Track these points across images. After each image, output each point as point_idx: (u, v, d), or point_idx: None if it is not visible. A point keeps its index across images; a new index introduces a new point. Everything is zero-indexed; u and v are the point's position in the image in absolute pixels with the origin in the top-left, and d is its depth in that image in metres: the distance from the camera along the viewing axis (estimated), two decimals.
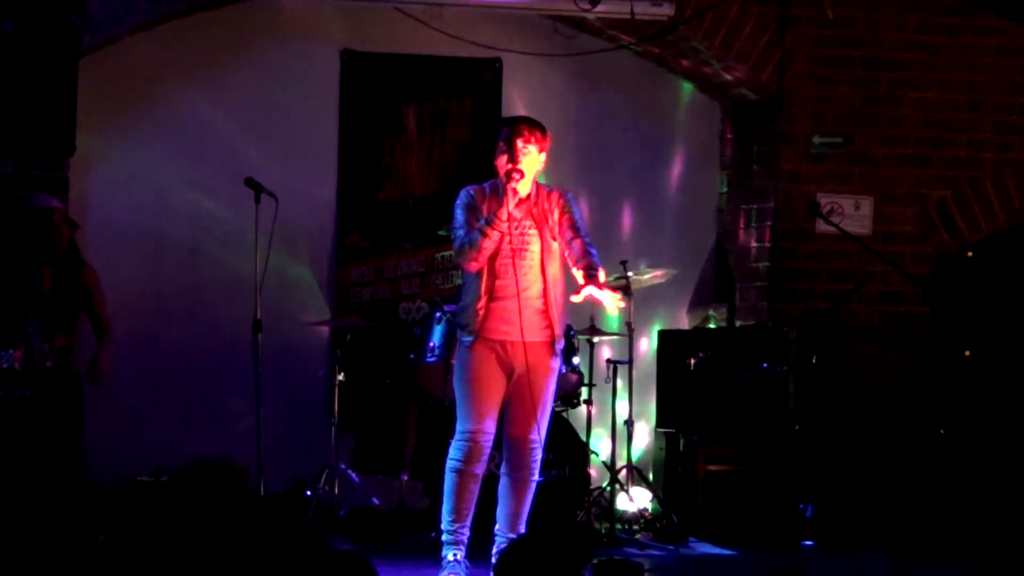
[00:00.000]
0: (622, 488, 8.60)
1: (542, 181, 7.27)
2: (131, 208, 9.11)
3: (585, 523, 8.29)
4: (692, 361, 8.84)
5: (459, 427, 7.18)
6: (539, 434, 7.17)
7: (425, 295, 9.38)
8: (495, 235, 6.97)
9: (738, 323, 9.61)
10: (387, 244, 9.44)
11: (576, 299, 7.03)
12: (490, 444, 7.15)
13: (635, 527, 8.57)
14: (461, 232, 7.08)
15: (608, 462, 8.59)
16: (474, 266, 7.06)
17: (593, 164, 9.68)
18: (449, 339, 8.03)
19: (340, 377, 8.55)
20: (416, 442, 8.40)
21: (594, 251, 7.08)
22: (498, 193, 7.05)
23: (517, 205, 7.07)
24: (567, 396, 8.44)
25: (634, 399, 8.81)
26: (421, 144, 9.49)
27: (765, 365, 8.72)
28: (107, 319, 8.21)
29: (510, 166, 7.00)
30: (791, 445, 8.68)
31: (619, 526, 8.47)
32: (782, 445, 8.68)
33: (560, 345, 7.18)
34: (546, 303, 7.08)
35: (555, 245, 7.07)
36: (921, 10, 9.45)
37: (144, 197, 9.13)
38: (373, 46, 9.40)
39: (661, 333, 9.24)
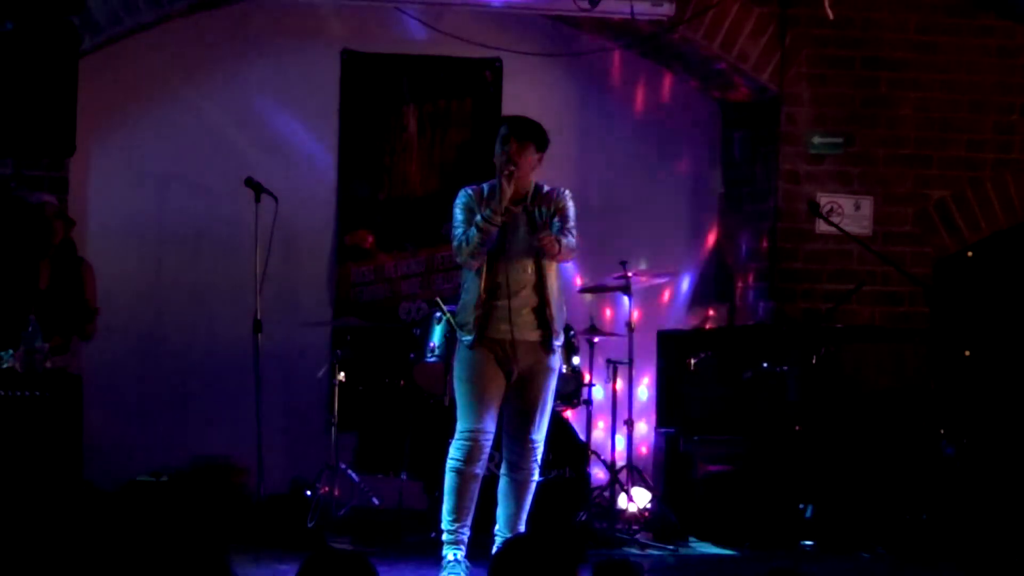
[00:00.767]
0: (622, 488, 8.60)
1: (543, 182, 7.28)
2: (131, 208, 9.11)
3: (584, 523, 8.29)
4: (692, 361, 8.84)
5: (459, 427, 7.19)
6: (539, 434, 7.18)
7: (425, 295, 9.38)
8: (492, 229, 7.00)
9: (738, 323, 9.61)
10: (387, 244, 9.45)
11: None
12: (490, 443, 7.16)
13: (635, 527, 8.57)
14: (460, 231, 7.11)
15: (608, 462, 8.59)
16: (473, 263, 7.08)
17: (593, 164, 9.69)
18: (449, 339, 8.03)
19: (340, 377, 8.55)
20: (415, 442, 8.39)
21: (569, 238, 7.07)
22: (495, 192, 7.07)
23: (515, 204, 7.10)
24: (567, 396, 8.43)
25: (634, 399, 8.82)
26: (421, 144, 9.49)
27: (765, 365, 8.72)
28: (93, 312, 8.15)
29: (503, 160, 7.03)
30: (791, 445, 8.68)
31: (619, 526, 8.47)
32: (782, 445, 8.68)
33: (559, 344, 7.18)
34: (544, 302, 7.10)
35: None
36: (921, 10, 9.45)
37: (144, 197, 9.13)
38: (373, 46, 9.40)
39: (661, 333, 9.24)
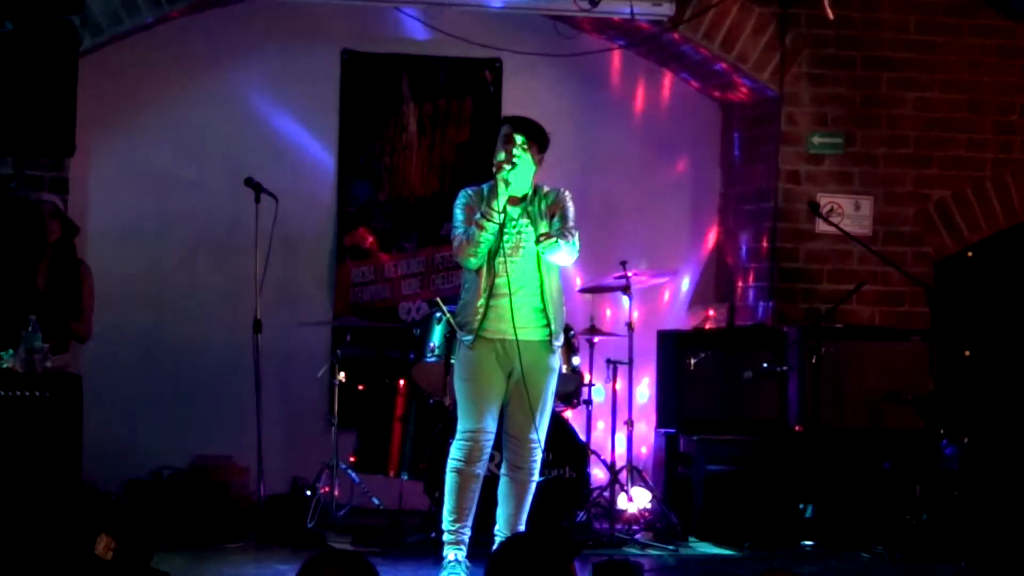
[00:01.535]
0: (622, 488, 8.61)
1: (544, 183, 7.28)
2: (131, 208, 9.11)
3: (584, 523, 8.29)
4: (692, 361, 8.84)
5: (460, 427, 7.19)
6: (538, 434, 7.18)
7: (425, 295, 9.39)
8: (491, 227, 7.02)
9: (738, 323, 9.61)
10: (387, 244, 9.45)
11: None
12: (491, 443, 7.17)
13: (635, 527, 8.57)
14: (460, 231, 7.12)
15: (608, 462, 8.59)
16: (473, 262, 7.10)
17: (593, 164, 9.69)
18: (449, 339, 8.03)
19: (340, 377, 8.55)
20: (415, 442, 8.39)
21: (570, 238, 7.07)
22: (494, 192, 7.09)
23: (515, 204, 7.12)
24: (567, 396, 8.44)
25: (634, 399, 8.82)
26: (421, 144, 9.49)
27: (765, 365, 8.72)
28: (88, 317, 8.14)
29: (504, 158, 7.05)
30: (791, 445, 8.68)
31: (619, 526, 8.47)
32: (782, 445, 8.68)
33: (559, 343, 7.19)
34: (544, 301, 7.12)
35: None
36: (921, 10, 9.45)
37: (144, 197, 9.13)
38: (373, 46, 9.40)
39: (661, 333, 9.24)
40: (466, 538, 7.22)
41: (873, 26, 9.39)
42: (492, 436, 7.16)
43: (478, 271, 7.13)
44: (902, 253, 9.35)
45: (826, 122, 9.38)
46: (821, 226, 9.25)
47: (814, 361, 8.67)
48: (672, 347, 8.98)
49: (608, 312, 9.56)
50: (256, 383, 8.10)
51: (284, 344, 8.96)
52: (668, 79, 9.84)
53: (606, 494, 8.52)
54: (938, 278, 9.48)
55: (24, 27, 6.85)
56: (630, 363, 8.60)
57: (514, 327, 7.04)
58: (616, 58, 9.70)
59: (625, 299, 8.59)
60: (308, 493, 8.44)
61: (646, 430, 9.30)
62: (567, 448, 8.20)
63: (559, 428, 8.18)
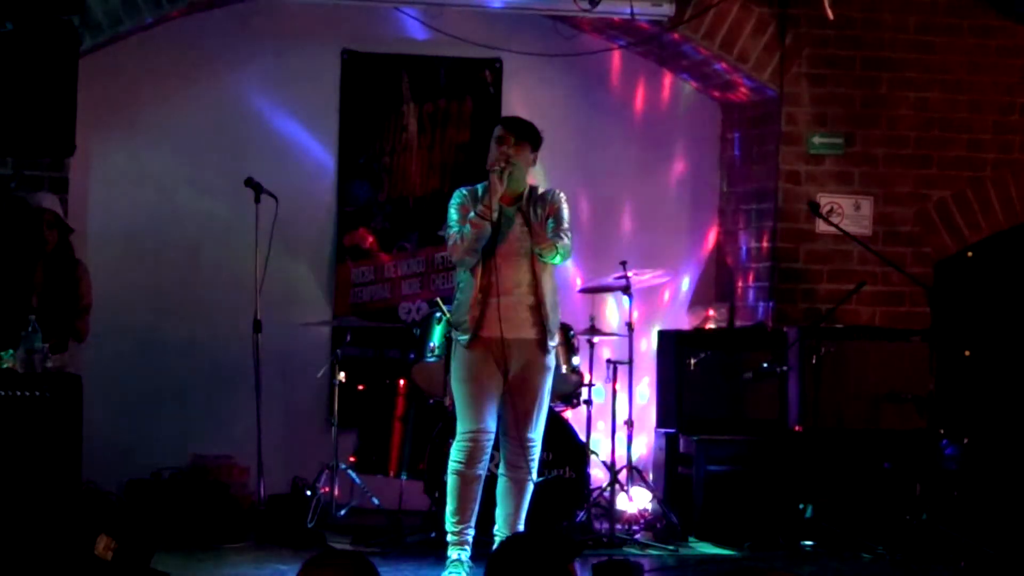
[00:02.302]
0: (622, 488, 8.60)
1: (544, 183, 7.30)
2: (131, 208, 9.11)
3: (583, 523, 8.29)
4: (692, 361, 8.84)
5: (460, 428, 7.19)
6: (536, 433, 7.19)
7: (425, 295, 9.38)
8: (485, 225, 7.04)
9: (738, 323, 9.61)
10: (387, 244, 9.45)
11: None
12: (491, 443, 7.17)
13: (635, 527, 8.57)
14: (455, 230, 7.14)
15: (608, 462, 8.59)
16: (468, 262, 7.12)
17: (593, 164, 9.69)
18: (449, 339, 8.02)
19: (340, 377, 8.55)
20: (415, 442, 8.39)
21: (565, 240, 7.10)
22: (489, 191, 7.11)
23: (510, 204, 7.13)
24: (567, 396, 8.44)
25: (634, 399, 8.81)
26: (421, 144, 9.49)
27: (765, 365, 8.72)
28: (86, 316, 8.14)
29: (498, 157, 7.09)
30: (791, 445, 8.68)
31: (619, 526, 8.46)
32: (782, 445, 8.68)
33: (554, 343, 7.20)
34: (539, 301, 7.12)
35: None
36: (921, 10, 9.45)
37: (144, 197, 9.13)
38: (373, 46, 9.40)
39: (661, 333, 9.24)
40: (470, 538, 7.22)
41: (873, 26, 9.39)
42: (492, 436, 7.17)
43: (473, 270, 7.14)
44: (902, 253, 9.35)
45: (826, 122, 9.38)
46: (821, 226, 9.25)
47: (814, 361, 8.67)
48: (672, 347, 8.98)
49: (608, 312, 9.56)
50: (256, 383, 8.09)
51: (284, 344, 8.95)
52: (668, 79, 9.84)
53: (606, 494, 8.52)
54: (938, 278, 9.48)
55: (24, 27, 6.85)
56: (630, 363, 8.60)
57: (506, 326, 7.03)
58: (616, 58, 9.70)
59: (625, 299, 8.59)
60: (308, 493, 8.44)
61: (646, 430, 9.30)
62: (567, 448, 8.20)
63: (559, 428, 8.18)
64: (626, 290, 8.52)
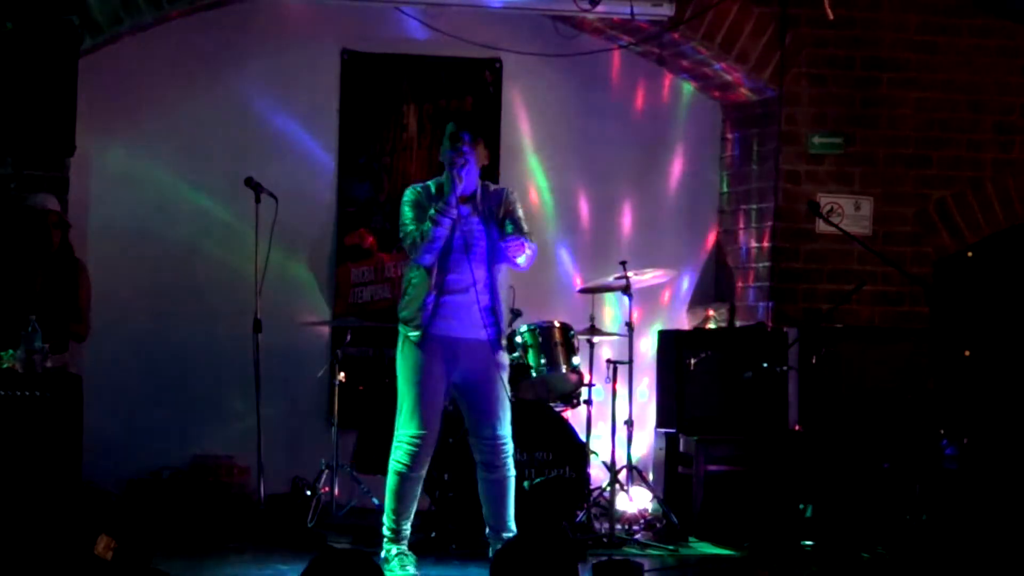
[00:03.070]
0: (622, 488, 8.60)
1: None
2: (131, 208, 9.11)
3: (583, 523, 8.29)
4: (692, 361, 8.84)
5: (404, 431, 7.18)
6: (505, 429, 7.21)
7: None
8: (446, 222, 7.04)
9: (738, 323, 9.61)
10: (387, 244, 9.44)
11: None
12: (435, 444, 7.17)
13: (635, 527, 8.57)
14: (411, 228, 7.13)
15: (608, 462, 8.59)
16: (428, 259, 7.10)
17: (593, 164, 9.69)
18: None
19: (340, 377, 8.55)
20: None
21: (531, 241, 7.13)
22: (443, 191, 7.11)
23: (463, 201, 7.14)
24: (567, 396, 8.44)
25: (634, 399, 8.81)
26: (421, 144, 9.49)
27: (765, 365, 8.72)
28: (86, 317, 8.14)
29: (455, 154, 7.13)
30: (791, 445, 8.68)
31: (619, 526, 8.46)
32: (782, 445, 8.68)
33: (503, 339, 7.21)
34: (493, 300, 7.13)
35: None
36: (921, 10, 9.45)
37: (144, 197, 9.13)
38: (373, 46, 9.40)
39: (661, 333, 9.24)
40: (407, 533, 7.22)
41: (873, 26, 9.39)
42: (436, 437, 7.18)
43: (428, 267, 7.13)
44: (902, 253, 9.35)
45: (826, 122, 9.38)
46: (821, 226, 9.25)
47: (814, 361, 8.67)
48: (672, 347, 8.98)
49: (608, 312, 9.56)
50: (256, 383, 8.09)
51: (284, 344, 8.95)
52: (668, 79, 9.84)
53: (606, 494, 8.52)
54: (938, 278, 9.48)
55: (24, 27, 6.86)
56: (630, 363, 8.60)
57: (459, 325, 7.06)
58: (616, 58, 9.70)
59: (625, 299, 8.59)
60: (308, 493, 8.44)
61: (646, 430, 9.30)
62: (567, 448, 8.20)
63: (559, 428, 8.18)
64: (626, 290, 8.51)
